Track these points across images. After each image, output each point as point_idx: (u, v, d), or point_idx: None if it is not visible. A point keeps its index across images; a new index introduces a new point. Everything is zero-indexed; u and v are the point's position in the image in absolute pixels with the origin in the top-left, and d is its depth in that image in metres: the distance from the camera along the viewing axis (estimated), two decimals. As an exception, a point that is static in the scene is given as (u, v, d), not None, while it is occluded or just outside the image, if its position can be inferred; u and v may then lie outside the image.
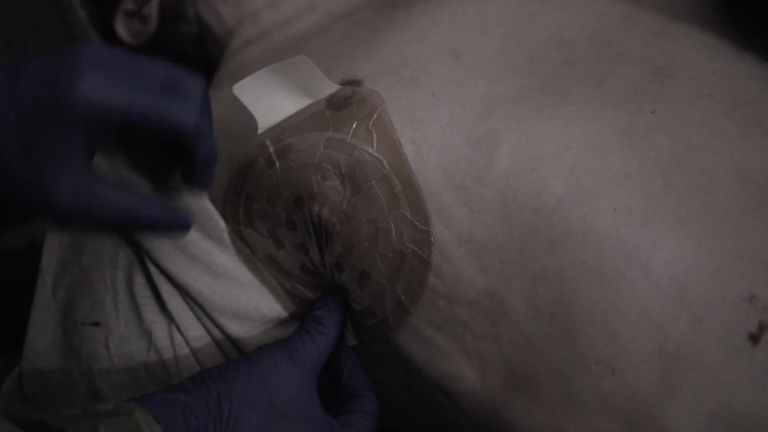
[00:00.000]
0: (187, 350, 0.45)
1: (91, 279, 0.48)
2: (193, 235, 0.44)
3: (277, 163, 0.42)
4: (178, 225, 0.38)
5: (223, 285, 0.44)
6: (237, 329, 0.44)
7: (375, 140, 0.39)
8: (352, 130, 0.40)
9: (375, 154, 0.39)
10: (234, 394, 0.36)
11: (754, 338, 0.34)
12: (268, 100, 0.42)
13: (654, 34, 0.42)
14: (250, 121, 0.42)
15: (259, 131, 0.42)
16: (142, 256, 0.46)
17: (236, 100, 0.42)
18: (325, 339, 0.40)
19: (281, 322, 0.45)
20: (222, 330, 0.44)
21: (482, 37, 0.43)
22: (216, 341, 0.45)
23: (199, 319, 0.45)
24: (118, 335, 0.46)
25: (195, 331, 0.45)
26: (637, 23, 0.42)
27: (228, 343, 0.45)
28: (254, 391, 0.36)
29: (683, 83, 0.39)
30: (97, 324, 0.47)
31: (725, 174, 0.36)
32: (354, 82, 0.42)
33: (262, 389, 0.36)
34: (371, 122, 0.40)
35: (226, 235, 0.44)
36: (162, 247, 0.44)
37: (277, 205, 0.42)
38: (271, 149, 0.42)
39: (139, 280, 0.45)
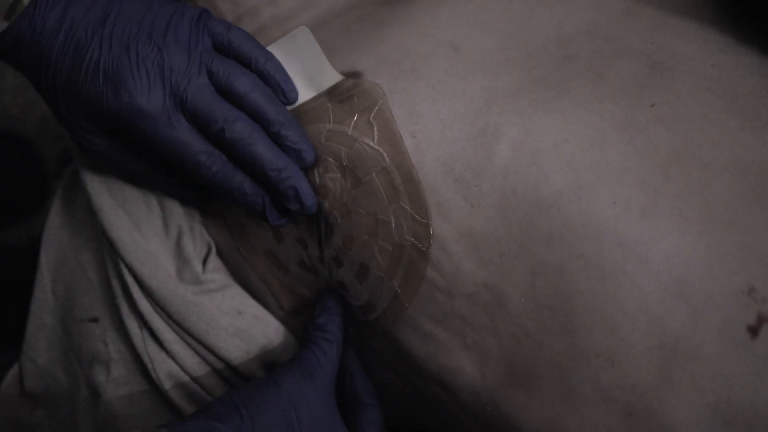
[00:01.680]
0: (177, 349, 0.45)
1: (90, 275, 0.47)
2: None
3: None
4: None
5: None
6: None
7: (376, 133, 0.39)
8: (353, 123, 0.40)
9: (376, 146, 0.39)
10: (267, 421, 0.35)
11: (754, 331, 0.34)
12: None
13: (653, 28, 0.42)
14: None
15: None
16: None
17: None
18: (333, 346, 0.40)
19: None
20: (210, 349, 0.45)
21: (482, 32, 0.43)
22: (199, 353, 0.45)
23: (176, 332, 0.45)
24: (116, 331, 0.46)
25: (169, 335, 0.45)
26: (637, 17, 0.42)
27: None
28: (285, 416, 0.36)
29: (682, 77, 0.39)
30: (95, 320, 0.47)
31: (724, 167, 0.36)
32: (354, 74, 0.42)
33: (291, 413, 0.36)
34: (372, 115, 0.40)
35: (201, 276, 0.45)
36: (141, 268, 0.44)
37: (279, 197, 0.42)
38: None
39: (135, 288, 0.45)
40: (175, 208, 0.45)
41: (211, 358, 0.44)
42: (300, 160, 0.40)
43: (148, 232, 0.44)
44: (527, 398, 0.37)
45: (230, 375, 0.45)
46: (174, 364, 0.44)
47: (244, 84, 0.39)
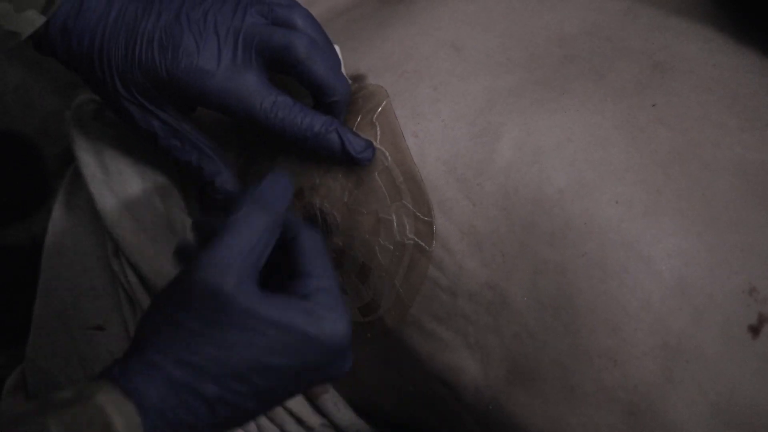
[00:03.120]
0: None
1: (95, 283, 0.47)
2: None
3: (279, 158, 0.42)
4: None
5: None
6: None
7: (378, 133, 0.40)
8: (356, 124, 0.40)
9: (378, 146, 0.39)
10: None
11: (755, 330, 0.34)
12: None
13: (654, 29, 0.42)
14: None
15: None
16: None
17: None
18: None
19: None
20: None
21: (483, 33, 0.43)
22: None
23: None
24: (121, 339, 0.46)
25: None
26: (637, 18, 0.43)
27: None
28: None
29: (683, 77, 0.39)
30: (100, 328, 0.46)
31: (725, 167, 0.36)
32: (359, 77, 0.42)
33: None
34: (375, 115, 0.40)
35: None
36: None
37: (279, 198, 0.42)
38: (271, 144, 0.42)
39: (140, 288, 0.45)
40: (179, 206, 0.45)
41: None
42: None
43: (153, 232, 0.44)
44: (530, 397, 0.37)
45: None
46: None
47: (300, 16, 0.40)
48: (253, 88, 0.38)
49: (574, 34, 0.43)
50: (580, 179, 0.36)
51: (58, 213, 0.51)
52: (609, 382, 0.35)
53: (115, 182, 0.45)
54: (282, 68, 0.39)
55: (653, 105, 0.38)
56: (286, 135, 0.38)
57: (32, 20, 0.38)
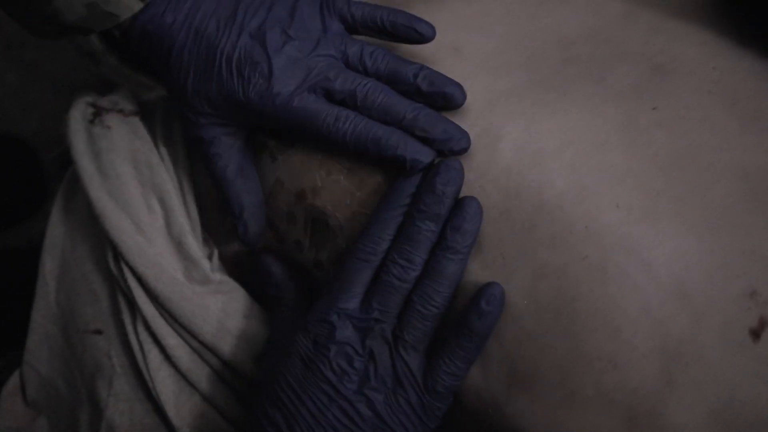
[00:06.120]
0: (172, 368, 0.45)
1: (94, 287, 0.47)
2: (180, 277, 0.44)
3: (279, 158, 0.42)
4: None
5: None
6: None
7: None
8: None
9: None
10: None
11: (755, 334, 0.33)
12: None
13: (653, 31, 0.42)
14: None
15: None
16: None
17: None
18: None
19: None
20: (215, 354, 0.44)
21: (482, 36, 0.44)
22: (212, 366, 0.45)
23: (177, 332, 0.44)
24: (121, 344, 0.46)
25: (172, 339, 0.44)
26: (637, 20, 0.43)
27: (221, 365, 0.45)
28: None
29: (683, 80, 0.39)
30: (99, 332, 0.46)
31: (725, 171, 0.36)
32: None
33: None
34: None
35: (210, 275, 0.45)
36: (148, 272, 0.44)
37: (279, 198, 0.42)
38: (272, 144, 0.42)
39: (139, 292, 0.44)
40: (177, 209, 0.45)
41: (215, 361, 0.44)
42: (449, 100, 0.39)
43: (152, 235, 0.44)
44: (530, 401, 0.37)
45: (234, 380, 0.45)
46: (175, 384, 0.44)
47: (376, 55, 0.40)
48: (314, 107, 0.38)
49: (573, 37, 0.43)
50: (580, 182, 0.36)
51: (56, 216, 0.51)
52: (608, 385, 0.35)
53: (114, 186, 0.45)
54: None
55: (653, 108, 0.38)
56: (348, 144, 0.38)
57: (131, 5, 0.39)
